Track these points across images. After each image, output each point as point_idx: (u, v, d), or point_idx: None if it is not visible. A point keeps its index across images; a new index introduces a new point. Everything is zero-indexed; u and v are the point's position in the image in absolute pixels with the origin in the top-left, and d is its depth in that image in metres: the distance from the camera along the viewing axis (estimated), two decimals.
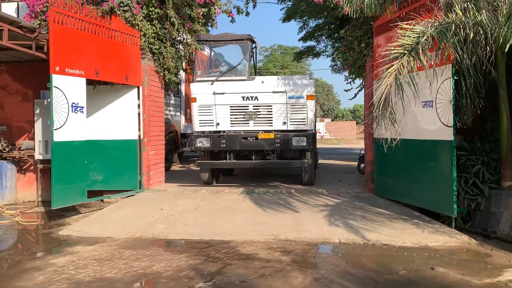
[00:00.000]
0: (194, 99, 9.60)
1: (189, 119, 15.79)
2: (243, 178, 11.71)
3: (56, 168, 7.43)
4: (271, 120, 9.33)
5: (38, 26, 8.00)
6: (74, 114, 7.76)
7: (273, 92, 9.21)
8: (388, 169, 8.22)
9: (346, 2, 7.18)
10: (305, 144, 8.96)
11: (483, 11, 5.21)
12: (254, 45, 10.15)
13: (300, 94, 9.18)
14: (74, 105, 7.74)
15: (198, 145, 9.35)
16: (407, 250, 5.79)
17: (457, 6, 5.40)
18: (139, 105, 9.43)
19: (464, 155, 7.20)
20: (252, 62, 10.32)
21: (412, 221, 7.00)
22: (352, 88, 12.52)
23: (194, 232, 6.70)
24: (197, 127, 9.59)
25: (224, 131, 9.42)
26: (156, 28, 9.44)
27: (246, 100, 9.29)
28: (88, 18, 8.05)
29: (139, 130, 9.42)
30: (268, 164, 9.77)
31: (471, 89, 6.31)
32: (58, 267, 5.23)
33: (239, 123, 9.42)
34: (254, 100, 9.26)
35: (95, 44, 8.20)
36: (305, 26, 19.70)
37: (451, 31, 5.42)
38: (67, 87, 7.57)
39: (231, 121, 9.44)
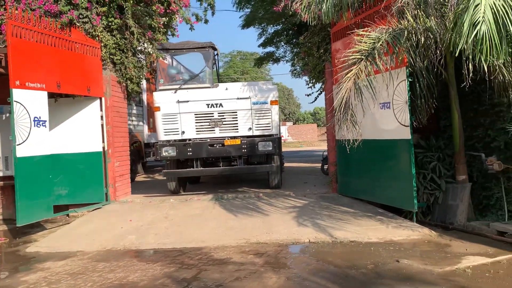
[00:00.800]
0: (158, 108, 9.53)
1: (152, 129, 15.69)
2: (210, 185, 11.79)
3: (20, 184, 7.26)
4: (237, 126, 9.39)
5: None
6: (36, 128, 7.61)
7: (238, 98, 9.30)
8: (351, 169, 8.55)
9: (304, 10, 7.44)
10: (271, 148, 9.11)
11: (432, 17, 5.59)
12: (216, 52, 10.26)
13: (265, 100, 9.33)
14: (36, 119, 7.60)
15: (164, 154, 9.28)
16: (373, 246, 6.08)
17: (408, 13, 5.78)
18: (102, 117, 9.33)
19: (421, 152, 7.60)
20: (214, 69, 10.43)
21: (376, 218, 7.33)
22: (312, 93, 12.90)
23: (166, 241, 6.73)
24: (162, 136, 9.49)
25: (190, 139, 9.40)
26: (117, 39, 9.39)
27: (211, 107, 9.32)
28: (47, 31, 7.93)
29: (103, 141, 9.32)
30: (236, 170, 9.77)
31: (424, 90, 6.72)
32: (30, 284, 5.16)
33: (204, 131, 9.43)
34: (219, 107, 9.31)
35: (55, 57, 8.09)
36: (264, 32, 20.04)
37: (404, 37, 5.78)
38: (28, 101, 7.43)
39: (196, 128, 9.42)
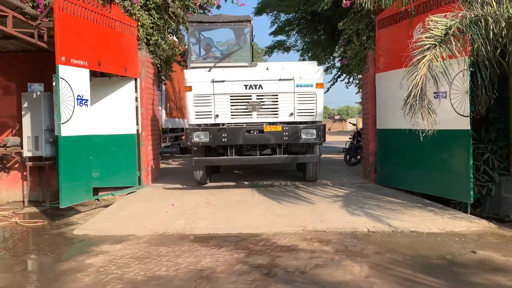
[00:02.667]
0: (189, 88, 8.44)
1: (169, 114, 15.42)
2: (233, 176, 11.14)
3: (65, 164, 7.00)
4: (277, 111, 8.41)
5: (39, 13, 7.46)
6: (79, 107, 7.33)
7: (280, 80, 8.33)
8: (394, 159, 8.43)
9: None
10: (315, 137, 8.26)
11: None
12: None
13: (310, 82, 8.34)
14: (79, 97, 7.32)
15: (195, 140, 8.26)
16: (437, 236, 5.99)
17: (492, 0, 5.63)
18: (136, 98, 9.07)
19: (473, 144, 7.50)
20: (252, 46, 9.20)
21: (427, 208, 7.24)
22: (333, 83, 12.77)
23: (220, 227, 6.56)
24: (193, 120, 8.46)
25: (224, 124, 8.43)
26: (154, 18, 9.10)
27: (249, 89, 8.34)
28: (90, 6, 7.62)
29: (137, 124, 9.07)
30: (275, 159, 8.69)
31: (487, 80, 6.59)
32: (97, 267, 4.94)
33: (241, 115, 8.45)
34: (258, 88, 8.34)
35: (96, 34, 7.79)
36: (276, 20, 19.84)
37: (482, 24, 5.63)
38: (73, 79, 7.14)
39: (231, 112, 8.43)
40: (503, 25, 5.64)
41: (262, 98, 8.43)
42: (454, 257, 5.12)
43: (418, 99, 5.56)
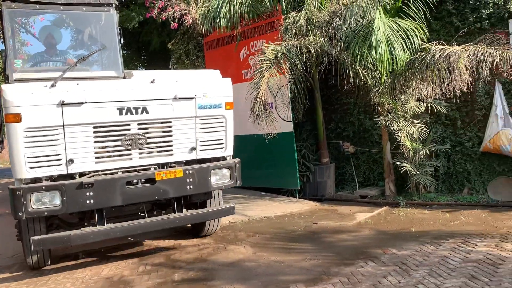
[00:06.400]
0: (15, 117, 4.90)
1: None
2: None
3: None
4: (171, 146, 5.62)
5: None
6: None
7: (175, 99, 5.56)
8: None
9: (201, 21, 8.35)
10: (228, 179, 5.94)
11: (324, 37, 7.42)
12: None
13: (217, 102, 5.85)
14: None
15: (34, 208, 4.85)
16: (284, 217, 7.48)
17: (309, 32, 7.45)
18: None
19: None
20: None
21: (266, 198, 8.84)
22: None
23: None
24: (25, 172, 4.89)
25: (84, 174, 5.24)
26: None
27: (125, 114, 5.32)
28: None
29: None
30: (176, 221, 5.74)
31: (302, 93, 8.51)
32: None
33: (113, 157, 5.35)
34: (141, 113, 5.40)
35: None
36: None
37: (298, 50, 7.43)
38: None
39: (97, 154, 5.26)
40: (313, 52, 7.55)
41: (147, 128, 5.49)
42: (305, 228, 6.66)
43: (262, 110, 6.96)
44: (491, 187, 7.34)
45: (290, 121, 8.59)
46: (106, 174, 5.28)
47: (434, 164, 7.75)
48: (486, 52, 6.04)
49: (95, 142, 5.20)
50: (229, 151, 6.08)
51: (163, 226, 5.67)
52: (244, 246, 5.92)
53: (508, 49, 6.03)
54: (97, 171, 5.25)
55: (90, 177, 5.16)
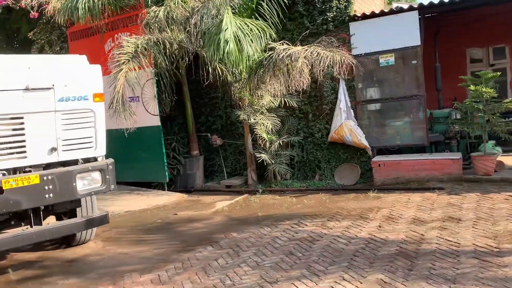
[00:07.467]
0: None
1: None
2: None
3: None
4: (24, 147, 4.78)
5: None
6: None
7: (26, 89, 4.75)
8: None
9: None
10: (100, 184, 5.25)
11: (184, 32, 7.60)
12: None
13: (82, 94, 5.16)
14: None
15: None
16: (147, 210, 7.61)
17: (168, 27, 7.56)
18: None
19: (164, 136, 9.53)
20: None
21: (134, 193, 8.86)
22: None
23: None
24: None
25: None
26: None
27: None
28: None
29: None
30: (31, 237, 4.88)
31: (168, 87, 8.64)
32: None
33: None
34: None
35: None
36: None
37: (161, 45, 7.53)
38: None
39: None
40: (176, 47, 7.71)
41: None
42: (163, 219, 6.86)
43: (120, 104, 6.96)
44: (337, 173, 8.20)
45: (157, 115, 8.68)
46: None
47: (289, 154, 8.41)
48: (321, 53, 6.71)
49: None
50: (100, 150, 5.39)
51: (16, 244, 4.75)
52: (95, 241, 5.93)
53: (339, 51, 6.76)
54: None
55: None
